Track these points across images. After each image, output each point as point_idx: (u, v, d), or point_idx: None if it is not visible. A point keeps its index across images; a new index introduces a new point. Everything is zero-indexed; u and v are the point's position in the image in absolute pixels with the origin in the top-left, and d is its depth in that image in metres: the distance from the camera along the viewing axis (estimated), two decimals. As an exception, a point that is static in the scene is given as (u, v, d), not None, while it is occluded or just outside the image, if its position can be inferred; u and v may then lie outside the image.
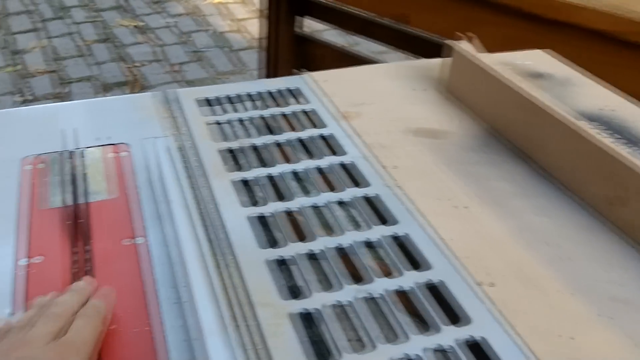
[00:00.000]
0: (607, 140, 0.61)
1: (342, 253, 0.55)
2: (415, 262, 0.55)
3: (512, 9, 1.11)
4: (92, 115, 0.73)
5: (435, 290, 0.52)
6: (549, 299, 0.51)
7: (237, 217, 0.57)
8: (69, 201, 0.58)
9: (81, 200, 0.58)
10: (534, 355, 0.46)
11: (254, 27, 2.92)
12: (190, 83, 2.49)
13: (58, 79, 2.49)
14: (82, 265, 0.52)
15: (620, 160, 0.58)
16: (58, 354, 0.40)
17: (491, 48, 0.97)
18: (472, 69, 0.76)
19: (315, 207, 0.60)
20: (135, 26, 2.92)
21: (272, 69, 1.60)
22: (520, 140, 0.71)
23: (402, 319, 0.48)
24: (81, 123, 0.70)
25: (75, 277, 0.50)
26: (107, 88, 2.45)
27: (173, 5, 3.14)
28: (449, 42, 0.80)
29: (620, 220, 0.60)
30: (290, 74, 1.55)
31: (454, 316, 0.50)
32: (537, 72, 0.90)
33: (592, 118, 0.76)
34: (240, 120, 0.74)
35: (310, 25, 2.91)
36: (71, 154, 0.65)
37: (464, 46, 0.79)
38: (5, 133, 0.68)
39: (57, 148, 0.66)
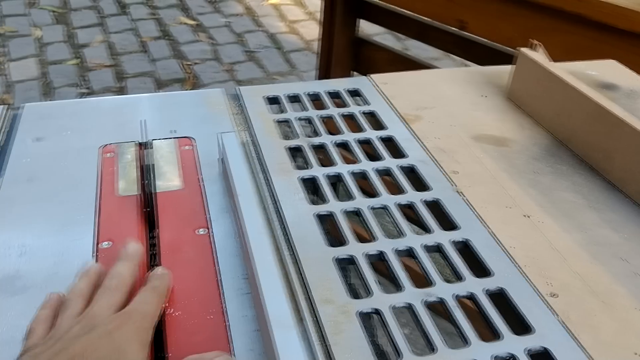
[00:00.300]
0: (679, 155, 0.59)
1: (404, 255, 0.55)
2: (476, 267, 0.54)
3: (576, 17, 1.09)
4: (162, 108, 0.75)
5: (496, 297, 0.52)
6: (615, 314, 0.50)
7: (300, 214, 0.58)
8: (137, 190, 0.60)
9: (148, 190, 0.59)
10: (599, 369, 0.45)
11: (306, 29, 2.95)
12: (242, 82, 2.53)
13: (115, 74, 2.57)
14: (147, 252, 0.54)
15: (694, 176, 0.56)
16: (123, 323, 0.41)
17: (553, 57, 0.95)
18: (537, 76, 0.75)
19: (376, 209, 0.60)
20: (191, 25, 2.98)
21: (327, 71, 1.61)
22: (587, 150, 0.69)
23: (463, 324, 0.48)
24: (151, 115, 0.73)
25: (142, 263, 0.52)
26: (161, 84, 2.51)
27: (229, 5, 3.19)
28: (521, 49, 0.79)
29: (690, 238, 0.58)
30: (344, 76, 1.56)
31: (515, 324, 0.49)
32: (603, 82, 0.88)
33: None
34: (302, 119, 0.75)
35: (364, 30, 2.92)
36: (140, 145, 0.67)
37: (531, 54, 0.77)
38: (84, 122, 0.71)
39: (127, 139, 0.68)
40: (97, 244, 0.54)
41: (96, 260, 0.52)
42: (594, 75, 0.89)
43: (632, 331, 0.48)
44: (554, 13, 1.13)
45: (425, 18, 1.39)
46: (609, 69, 0.92)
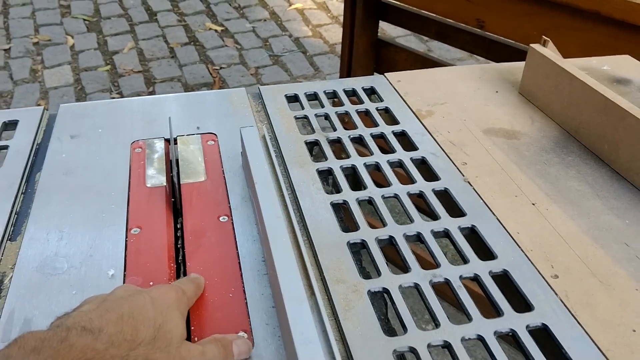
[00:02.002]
0: (682, 144, 0.61)
1: (413, 240, 0.58)
2: (482, 251, 0.57)
3: (592, 14, 1.10)
4: (187, 106, 0.79)
5: (500, 279, 0.54)
6: (613, 293, 0.52)
7: (316, 202, 0.62)
8: (164, 182, 0.65)
9: (174, 182, 0.64)
10: (594, 342, 0.47)
11: (330, 33, 2.99)
12: (267, 86, 2.58)
13: (145, 79, 2.64)
14: (172, 238, 0.58)
15: (695, 163, 0.58)
16: (165, 292, 0.45)
17: (570, 53, 0.97)
18: (547, 71, 0.78)
19: (387, 197, 0.64)
20: (218, 30, 3.05)
21: (348, 73, 1.65)
22: (594, 141, 0.71)
23: (467, 302, 0.51)
24: (177, 114, 0.77)
25: (169, 247, 0.56)
26: (189, 89, 2.58)
27: (254, 11, 3.26)
28: (531, 45, 0.82)
29: (693, 223, 0.60)
30: (365, 77, 1.59)
31: (517, 303, 0.52)
32: (615, 77, 0.89)
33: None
34: (320, 115, 0.78)
35: (387, 33, 2.94)
36: (167, 140, 0.71)
37: (541, 49, 0.80)
38: (116, 120, 0.76)
39: (155, 135, 0.73)
40: (128, 230, 0.58)
41: (126, 245, 0.56)
42: (608, 70, 0.91)
43: (631, 310, 0.51)
44: (571, 11, 1.14)
45: (445, 18, 1.42)
46: (623, 64, 0.93)
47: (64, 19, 3.13)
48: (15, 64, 2.72)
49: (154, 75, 2.68)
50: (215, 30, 3.05)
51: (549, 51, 0.79)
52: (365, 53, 1.60)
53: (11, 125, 0.75)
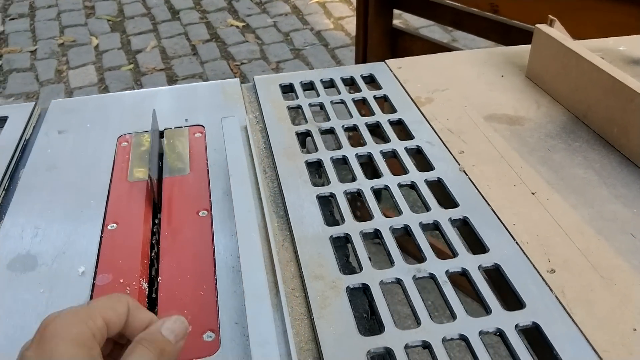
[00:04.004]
0: (696, 125, 0.56)
1: (399, 233, 0.55)
2: (472, 244, 0.54)
3: (611, -6, 1.04)
4: (179, 99, 0.77)
5: (492, 273, 0.51)
6: (614, 289, 0.48)
7: (302, 195, 0.59)
8: (145, 176, 0.63)
9: (156, 176, 0.62)
10: (589, 343, 0.43)
11: (352, 25, 2.95)
12: (288, 80, 2.56)
13: (167, 77, 2.65)
14: (149, 234, 0.56)
15: None
16: None
17: (587, 35, 0.92)
18: (554, 52, 0.73)
19: (377, 189, 0.60)
20: (239, 26, 3.04)
21: (363, 63, 1.61)
22: (603, 125, 0.66)
23: (452, 299, 0.47)
24: (168, 106, 0.75)
25: (143, 243, 0.54)
26: (210, 85, 2.57)
27: (276, 5, 3.24)
28: (537, 25, 0.77)
29: None
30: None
31: (509, 300, 0.48)
32: (632, 58, 0.84)
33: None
34: (314, 105, 0.75)
35: (410, 23, 2.89)
36: (152, 134, 0.69)
37: (548, 30, 0.75)
38: (105, 115, 0.74)
39: (144, 129, 0.71)
40: (105, 226, 0.57)
41: (100, 241, 0.54)
42: (624, 51, 0.86)
43: (632, 306, 0.46)
44: (589, -10, 1.09)
45: (459, 5, 1.37)
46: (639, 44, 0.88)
47: (88, 20, 3.17)
48: (41, 65, 2.76)
49: (175, 73, 2.68)
50: (237, 27, 3.05)
51: (556, 31, 0.74)
52: (379, 42, 1.56)
53: (1, 121, 0.74)
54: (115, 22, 3.15)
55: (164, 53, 2.85)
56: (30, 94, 2.56)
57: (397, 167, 0.64)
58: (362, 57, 1.60)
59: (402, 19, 2.93)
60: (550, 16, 0.75)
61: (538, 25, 0.76)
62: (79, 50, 2.89)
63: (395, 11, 1.56)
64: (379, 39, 1.56)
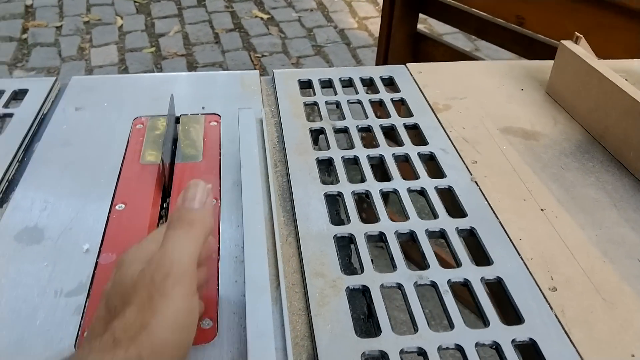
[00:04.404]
0: None
1: (404, 238, 0.55)
2: (476, 256, 0.53)
3: (638, 13, 1.03)
4: (197, 86, 0.78)
5: (493, 287, 0.51)
6: (616, 313, 0.47)
7: (309, 192, 0.59)
8: (158, 159, 0.63)
9: (169, 161, 0.62)
10: (585, 365, 0.43)
11: (376, 26, 2.94)
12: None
13: (187, 63, 2.66)
14: (156, 217, 0.57)
15: None
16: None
17: (614, 55, 0.91)
18: (576, 69, 0.72)
19: (385, 193, 0.60)
20: (264, 18, 3.04)
21: (384, 64, 1.61)
22: (620, 147, 0.66)
23: (451, 309, 0.47)
24: (185, 92, 0.76)
25: (149, 226, 0.55)
26: (229, 74, 2.58)
27: (302, 0, 3.24)
28: (562, 41, 0.76)
29: None
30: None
31: (508, 314, 0.48)
32: (656, 82, 0.83)
33: None
34: (331, 103, 0.75)
35: (435, 29, 2.87)
36: (169, 118, 0.70)
37: (572, 47, 0.74)
38: (123, 96, 0.75)
39: (160, 113, 0.71)
40: (113, 205, 0.57)
41: (107, 220, 0.55)
42: (648, 74, 0.85)
43: (633, 332, 0.46)
44: (617, 9, 1.08)
45: (485, 14, 1.36)
46: (666, 69, 0.87)
47: (115, 0, 3.19)
48: (64, 41, 2.79)
49: (196, 60, 2.70)
50: (261, 18, 3.05)
51: (580, 48, 0.73)
52: (402, 45, 1.56)
53: (21, 93, 0.75)
54: (141, 4, 3.17)
55: (187, 39, 2.86)
56: (51, 69, 2.58)
57: (409, 172, 0.63)
58: (383, 59, 1.60)
59: (427, 24, 2.92)
60: (577, 33, 0.74)
61: (563, 42, 0.75)
62: (103, 29, 2.91)
63: (422, 16, 1.55)
64: (401, 42, 1.55)
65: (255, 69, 2.63)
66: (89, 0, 3.18)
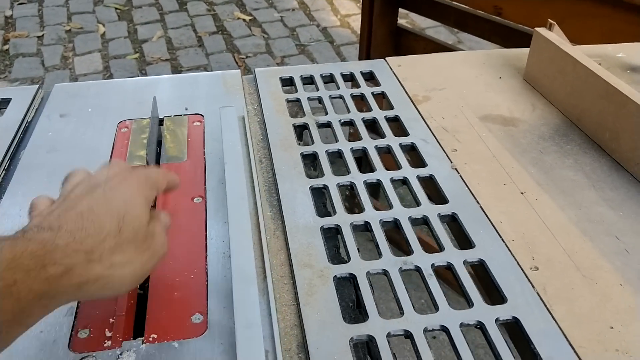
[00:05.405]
0: (685, 132, 0.57)
1: (388, 227, 0.56)
2: (459, 240, 0.55)
3: (614, 1, 1.05)
4: (180, 88, 0.78)
5: (476, 269, 0.52)
6: (594, 288, 0.49)
7: (294, 185, 0.60)
8: (143, 162, 0.64)
9: (154, 162, 0.63)
10: (566, 338, 0.44)
11: (358, 23, 2.95)
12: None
13: (172, 67, 2.66)
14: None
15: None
16: (125, 178, 0.43)
17: (589, 41, 0.92)
18: (551, 55, 0.74)
19: (370, 183, 0.61)
20: (246, 20, 3.05)
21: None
22: (596, 129, 0.67)
23: (435, 291, 0.48)
24: (169, 94, 0.76)
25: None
26: (214, 77, 2.58)
27: (283, 0, 3.24)
28: (536, 28, 0.78)
29: (693, 218, 0.56)
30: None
31: (492, 295, 0.49)
32: (630, 65, 0.85)
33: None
34: (313, 99, 0.76)
35: (418, 23, 2.89)
36: (152, 120, 0.70)
37: (546, 33, 0.76)
38: (107, 101, 0.76)
39: (145, 116, 0.72)
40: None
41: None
42: (623, 58, 0.87)
43: (611, 305, 0.47)
44: (591, -4, 1.10)
45: (463, 6, 1.38)
46: (639, 52, 0.88)
47: (96, 8, 3.18)
48: (47, 51, 2.78)
49: (180, 64, 2.69)
50: (244, 20, 3.05)
51: (554, 35, 0.75)
52: (384, 41, 1.57)
53: (4, 103, 0.75)
54: (122, 11, 3.16)
55: (170, 43, 2.86)
56: (35, 79, 2.57)
57: (391, 163, 0.65)
58: (365, 55, 1.61)
59: (409, 19, 2.94)
60: (550, 20, 0.76)
61: (537, 29, 0.77)
62: (85, 38, 2.90)
63: (403, 11, 1.57)
64: (383, 38, 1.57)
65: (240, 70, 2.63)
66: (70, 8, 3.16)
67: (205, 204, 0.58)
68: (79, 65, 2.67)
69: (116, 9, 3.18)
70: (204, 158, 0.65)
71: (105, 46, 2.83)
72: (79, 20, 3.06)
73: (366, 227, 0.56)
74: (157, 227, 0.42)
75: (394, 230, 0.57)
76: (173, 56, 2.75)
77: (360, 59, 1.68)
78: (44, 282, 0.34)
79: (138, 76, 2.60)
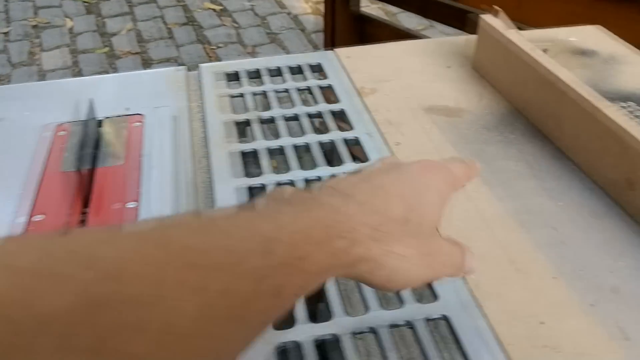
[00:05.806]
0: (622, 120, 0.56)
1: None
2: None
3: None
4: (122, 87, 0.77)
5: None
6: (528, 282, 0.48)
7: (227, 186, 0.59)
8: (79, 166, 0.62)
9: (89, 166, 0.61)
10: (495, 336, 0.44)
11: (330, 10, 2.93)
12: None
13: (142, 60, 2.62)
14: (76, 225, 0.56)
15: (630, 141, 0.54)
16: (428, 170, 0.41)
17: (546, 24, 0.92)
18: (496, 43, 0.73)
19: (309, 180, 0.60)
20: (216, 10, 3.01)
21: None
22: (540, 118, 0.67)
23: (365, 290, 0.48)
24: (111, 95, 0.75)
25: (68, 234, 0.54)
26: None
27: (253, -11, 3.21)
28: (482, 15, 0.77)
29: (630, 206, 0.55)
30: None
31: (427, 293, 0.49)
32: (581, 49, 0.84)
33: (628, 97, 0.71)
34: (258, 94, 0.75)
35: (389, 9, 2.87)
36: (89, 123, 0.69)
37: (491, 20, 0.75)
38: (46, 103, 0.73)
39: (79, 117, 0.70)
40: (31, 217, 0.56)
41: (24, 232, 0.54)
42: (574, 42, 0.86)
43: (544, 299, 0.47)
44: (548, -21, 1.09)
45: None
46: (592, 35, 0.88)
47: (63, 2, 3.12)
48: (13, 47, 2.72)
49: (150, 57, 2.66)
50: (214, 10, 3.02)
51: (499, 22, 0.74)
52: (347, 29, 1.55)
53: (-61, 109, 0.73)
54: (90, 4, 3.10)
55: (140, 36, 2.81)
56: (1, 77, 2.52)
57: (332, 159, 0.64)
58: (330, 42, 1.60)
59: (381, 5, 2.92)
60: (495, 7, 0.75)
61: (482, 16, 0.76)
62: (52, 32, 2.84)
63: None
64: (346, 25, 1.55)
65: (210, 61, 2.60)
66: (36, 3, 3.10)
67: (138, 209, 0.57)
68: (46, 61, 2.62)
69: (84, 2, 3.12)
70: (141, 160, 0.63)
71: (74, 41, 2.78)
72: (45, 14, 3.00)
73: (302, 226, 0.55)
74: (450, 242, 0.39)
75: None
76: (143, 49, 2.71)
77: (325, 46, 1.66)
78: (331, 256, 0.30)
79: (108, 71, 2.56)
